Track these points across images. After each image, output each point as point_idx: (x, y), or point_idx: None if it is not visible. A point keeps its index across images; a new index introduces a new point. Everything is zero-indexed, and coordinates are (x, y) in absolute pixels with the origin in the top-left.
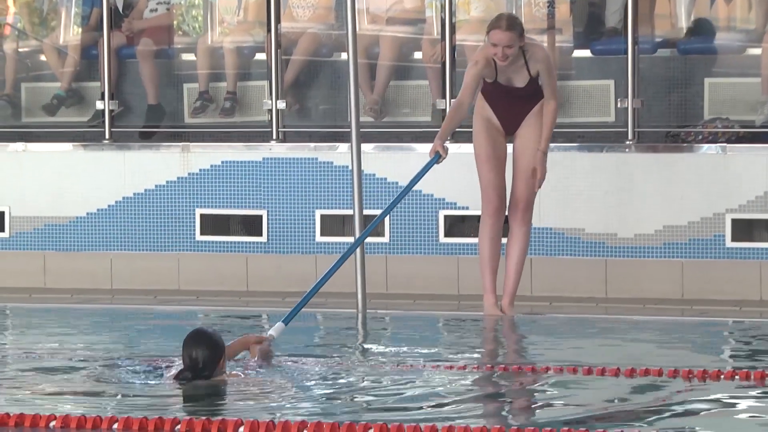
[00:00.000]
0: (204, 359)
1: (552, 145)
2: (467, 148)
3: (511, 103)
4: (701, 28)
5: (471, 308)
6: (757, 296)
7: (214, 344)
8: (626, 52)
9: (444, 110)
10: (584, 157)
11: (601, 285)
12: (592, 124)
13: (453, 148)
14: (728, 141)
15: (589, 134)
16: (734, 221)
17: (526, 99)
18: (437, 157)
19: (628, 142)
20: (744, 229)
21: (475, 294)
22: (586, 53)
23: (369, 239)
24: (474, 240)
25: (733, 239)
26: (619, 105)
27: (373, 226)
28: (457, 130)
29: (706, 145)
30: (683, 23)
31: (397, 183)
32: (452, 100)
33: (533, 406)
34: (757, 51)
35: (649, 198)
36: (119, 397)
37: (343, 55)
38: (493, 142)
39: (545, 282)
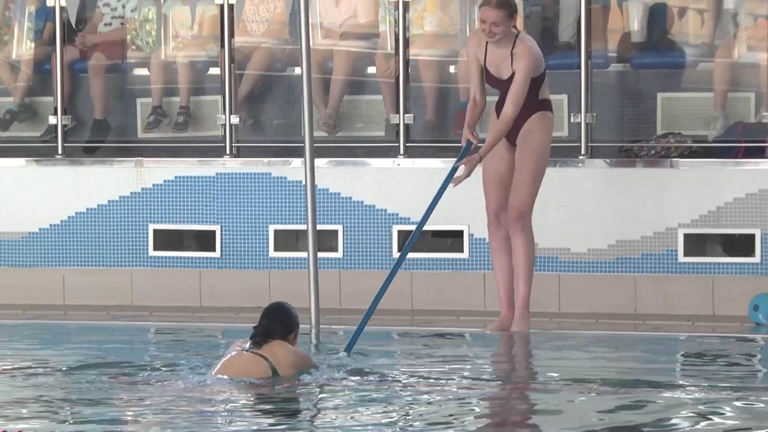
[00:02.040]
0: (276, 328)
1: None
2: (420, 163)
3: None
4: None
5: (425, 323)
6: (709, 311)
7: (290, 318)
8: (579, 67)
9: (398, 125)
10: None
11: (555, 299)
12: None
13: (406, 163)
14: (681, 156)
15: None
16: (687, 236)
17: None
18: (470, 144)
19: (581, 157)
20: (696, 244)
21: (428, 309)
22: None
23: (321, 254)
24: (427, 255)
25: (686, 254)
26: (572, 119)
27: (421, 226)
28: (410, 145)
29: (658, 160)
30: (637, 38)
31: (350, 198)
32: (407, 115)
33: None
34: (709, 66)
35: (602, 212)
36: (72, 412)
37: (297, 70)
38: (497, 154)
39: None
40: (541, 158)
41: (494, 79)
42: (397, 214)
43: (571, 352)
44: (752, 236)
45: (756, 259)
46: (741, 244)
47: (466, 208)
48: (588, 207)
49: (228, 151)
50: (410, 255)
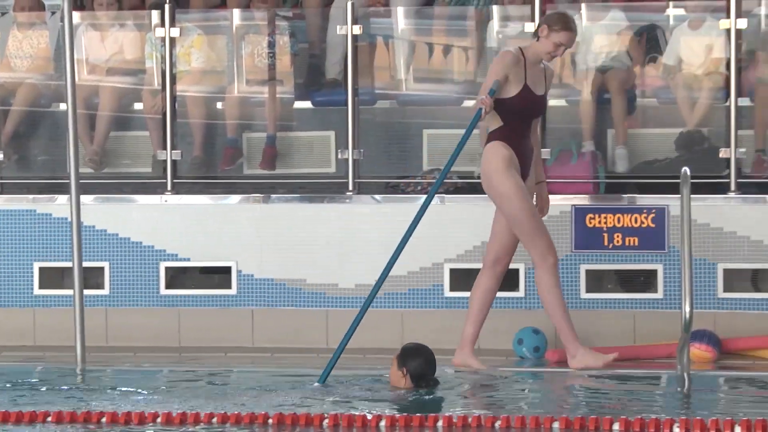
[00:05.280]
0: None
1: (274, 196)
2: (188, 199)
3: (527, 132)
4: None
5: (192, 360)
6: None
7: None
8: (346, 104)
9: (165, 161)
10: (306, 208)
11: (323, 335)
12: (314, 175)
13: (174, 199)
14: (447, 192)
15: (311, 185)
16: (453, 271)
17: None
18: (481, 111)
19: (348, 193)
20: (462, 279)
21: (196, 346)
22: (307, 105)
23: (87, 291)
24: (195, 291)
25: (452, 289)
26: (339, 156)
27: (423, 210)
28: (177, 181)
29: (424, 196)
30: (402, 75)
31: (117, 235)
32: (174, 151)
33: None
34: (473, 103)
35: (369, 248)
36: None
37: (62, 106)
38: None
39: (265, 333)
40: (502, 196)
41: (532, 97)
42: (165, 251)
43: None
44: (516, 271)
45: (520, 293)
46: (506, 279)
47: (234, 245)
48: (356, 243)
49: None
50: (177, 292)
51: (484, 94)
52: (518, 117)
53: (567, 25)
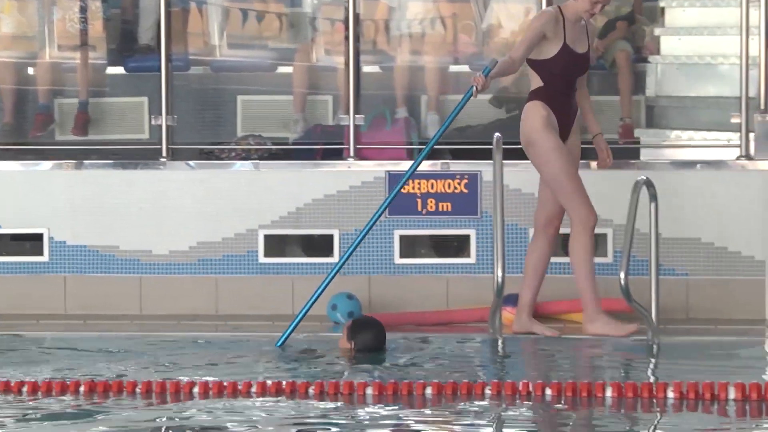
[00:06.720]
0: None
1: (86, 162)
2: (11, 165)
3: (570, 91)
4: None
5: (6, 328)
6: (289, 310)
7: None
8: (160, 70)
9: None
10: (118, 174)
11: (136, 302)
12: (127, 141)
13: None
14: (261, 158)
15: (124, 151)
16: (267, 237)
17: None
18: (472, 89)
19: (162, 159)
20: (276, 245)
21: (8, 314)
22: (119, 70)
23: None
24: (7, 259)
25: (266, 255)
26: (153, 122)
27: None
28: (16, 147)
29: (239, 162)
30: (216, 41)
31: None
32: None
33: None
34: (288, 69)
35: (183, 215)
36: None
37: None
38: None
39: (78, 300)
40: (541, 156)
41: (573, 56)
42: None
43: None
44: (331, 236)
45: (334, 258)
46: (320, 245)
47: (46, 211)
48: (170, 209)
49: None
50: None
51: (517, 54)
52: (559, 76)
53: None
